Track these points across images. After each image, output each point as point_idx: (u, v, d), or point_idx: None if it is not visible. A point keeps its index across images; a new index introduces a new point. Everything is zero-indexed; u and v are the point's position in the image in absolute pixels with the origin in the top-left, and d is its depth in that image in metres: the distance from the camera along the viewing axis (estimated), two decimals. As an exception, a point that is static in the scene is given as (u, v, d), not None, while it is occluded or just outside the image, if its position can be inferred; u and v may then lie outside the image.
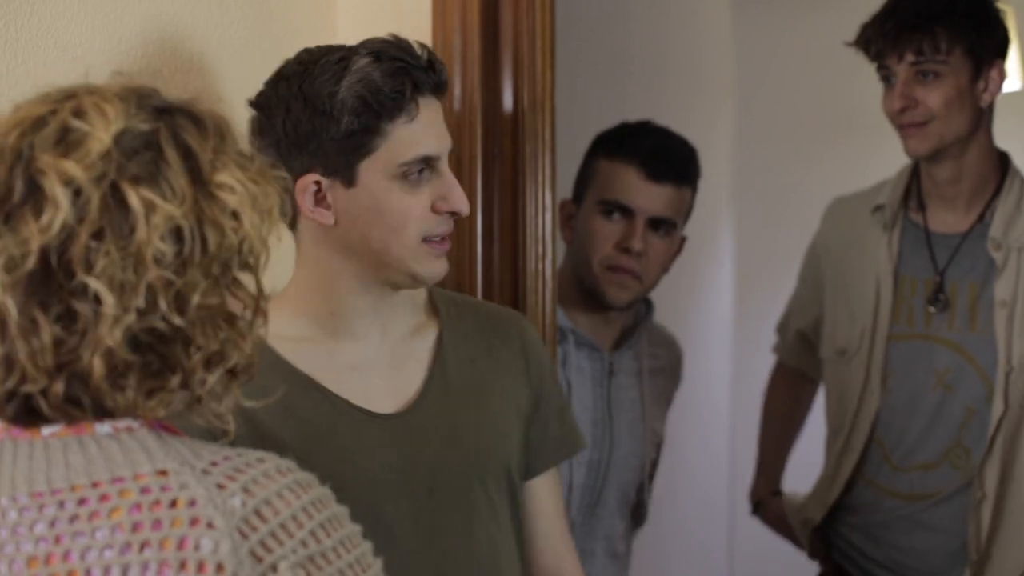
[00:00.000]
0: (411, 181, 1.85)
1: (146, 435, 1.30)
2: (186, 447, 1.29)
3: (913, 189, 2.91)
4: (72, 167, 1.25)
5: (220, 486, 1.24)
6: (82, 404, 1.28)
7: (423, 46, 1.88)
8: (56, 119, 1.28)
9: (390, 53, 1.84)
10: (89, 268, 1.24)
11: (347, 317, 1.91)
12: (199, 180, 1.29)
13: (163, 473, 1.25)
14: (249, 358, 1.35)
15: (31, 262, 1.24)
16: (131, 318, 1.25)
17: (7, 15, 1.75)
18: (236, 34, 2.19)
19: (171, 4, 2.05)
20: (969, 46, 2.74)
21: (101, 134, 1.26)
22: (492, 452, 1.93)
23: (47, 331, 1.24)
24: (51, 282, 1.24)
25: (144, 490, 1.24)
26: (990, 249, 2.76)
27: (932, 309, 2.82)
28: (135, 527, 1.22)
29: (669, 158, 2.79)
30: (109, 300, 1.24)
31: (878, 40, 2.80)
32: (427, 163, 1.86)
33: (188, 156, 1.30)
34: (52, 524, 1.24)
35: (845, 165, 4.57)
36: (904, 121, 2.78)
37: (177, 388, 1.30)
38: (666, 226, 2.77)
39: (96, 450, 1.27)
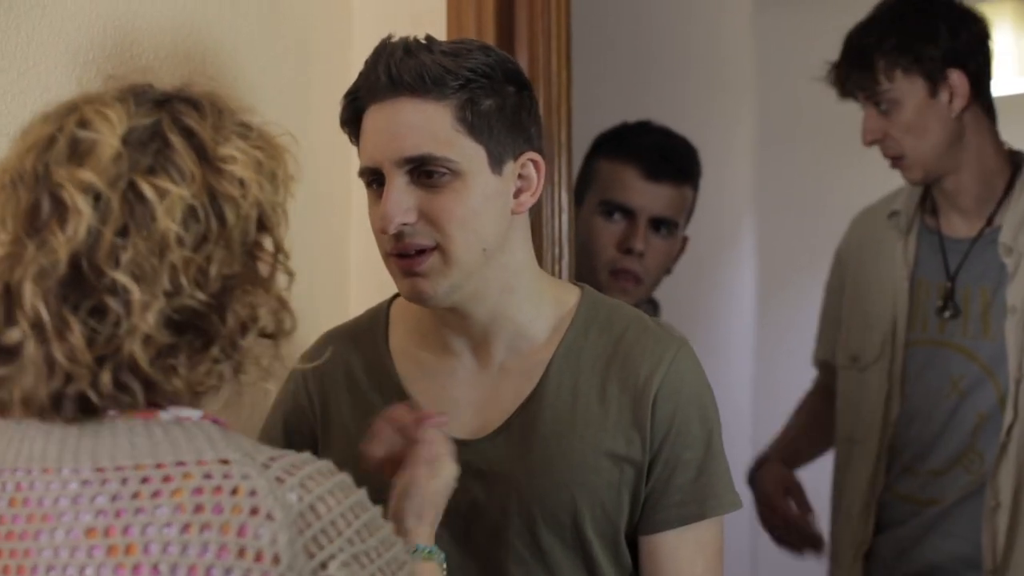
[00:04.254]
0: (371, 192, 1.80)
1: (209, 426, 1.36)
2: (246, 441, 1.35)
3: (928, 194, 2.89)
4: (88, 175, 1.31)
5: (279, 480, 1.29)
6: (132, 391, 1.33)
7: (396, 41, 1.78)
8: (64, 134, 1.34)
9: (363, 66, 1.80)
10: (116, 263, 1.29)
11: (440, 331, 1.86)
12: (204, 158, 1.34)
13: (225, 462, 1.30)
14: (279, 316, 1.40)
15: (61, 269, 1.30)
16: (160, 302, 1.30)
17: (18, 18, 1.74)
18: (250, 37, 2.18)
19: (184, 6, 2.04)
20: (908, 65, 2.72)
21: (109, 139, 1.32)
22: (550, 503, 1.80)
23: (77, 329, 1.29)
24: (83, 284, 1.30)
25: (206, 475, 1.29)
26: (1001, 255, 2.74)
27: (945, 315, 2.80)
28: (196, 508, 1.27)
29: (668, 156, 2.79)
30: (135, 289, 1.29)
31: (835, 82, 2.84)
32: (371, 175, 1.78)
33: (191, 137, 1.35)
34: (113, 499, 1.29)
35: (867, 168, 4.54)
36: (884, 155, 2.80)
37: (220, 357, 1.35)
38: (668, 226, 2.77)
39: (161, 434, 1.33)
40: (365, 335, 1.94)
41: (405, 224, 1.74)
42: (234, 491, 1.28)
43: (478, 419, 1.84)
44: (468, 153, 1.75)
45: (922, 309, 2.84)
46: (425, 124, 1.74)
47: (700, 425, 1.84)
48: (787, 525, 3.07)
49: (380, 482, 1.84)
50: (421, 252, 1.75)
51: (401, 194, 1.74)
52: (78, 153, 1.32)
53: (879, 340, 2.87)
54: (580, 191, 2.76)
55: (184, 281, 1.31)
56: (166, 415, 1.35)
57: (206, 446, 1.32)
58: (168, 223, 1.30)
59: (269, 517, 1.27)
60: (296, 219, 2.30)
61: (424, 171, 1.74)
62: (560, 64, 2.38)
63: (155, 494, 1.28)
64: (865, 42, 2.77)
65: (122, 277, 1.29)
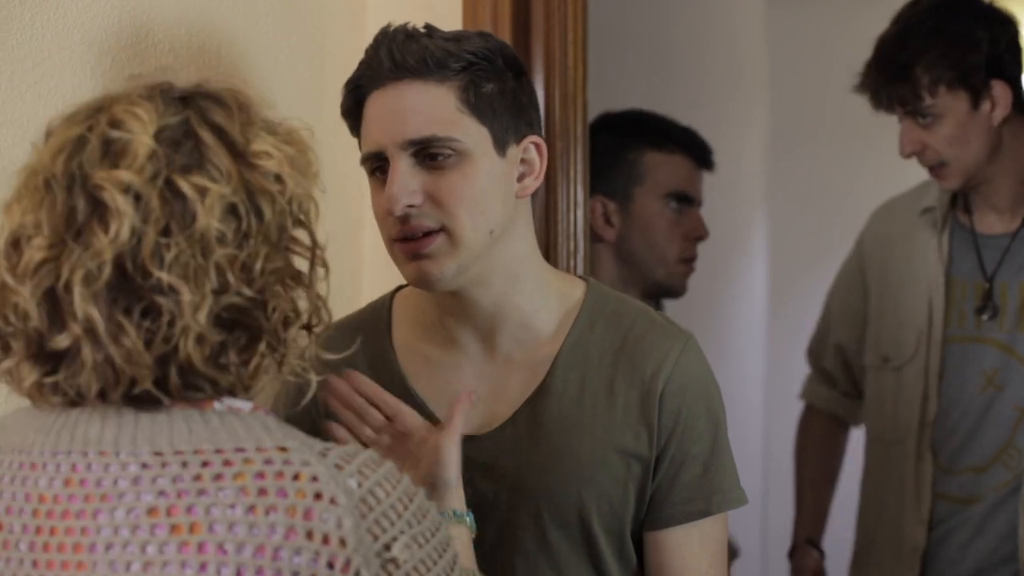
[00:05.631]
0: (374, 180, 1.80)
1: (264, 416, 1.38)
2: (300, 433, 1.37)
3: (960, 191, 2.87)
4: (126, 175, 1.31)
5: (338, 467, 1.32)
6: (201, 387, 1.35)
7: (396, 29, 1.78)
8: (95, 135, 1.34)
9: (364, 56, 1.81)
10: (161, 263, 1.30)
11: (444, 322, 1.86)
12: (238, 154, 1.36)
13: (284, 449, 1.32)
14: (319, 310, 1.43)
15: (107, 271, 1.30)
16: (209, 300, 1.31)
17: (33, 8, 1.74)
18: (265, 29, 2.18)
19: (199, -2, 2.04)
20: (953, 79, 2.69)
21: (142, 137, 1.33)
22: (556, 498, 1.80)
23: (133, 332, 1.31)
24: (130, 285, 1.31)
25: (267, 461, 1.31)
26: None
27: (983, 317, 2.78)
28: (260, 492, 1.29)
29: (704, 145, 2.87)
30: (184, 288, 1.30)
31: (868, 93, 2.80)
32: (375, 160, 1.78)
33: (221, 134, 1.36)
34: (174, 480, 1.31)
35: (879, 165, 4.53)
36: (922, 164, 2.78)
37: (266, 352, 1.38)
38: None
39: (218, 422, 1.35)
40: (368, 329, 1.92)
41: (411, 206, 1.73)
42: (296, 476, 1.30)
43: (484, 413, 1.83)
44: (472, 134, 1.75)
45: (957, 306, 2.83)
46: (429, 106, 1.74)
47: (707, 420, 1.84)
48: None
49: None
50: (427, 235, 1.74)
51: (406, 176, 1.74)
52: (112, 153, 1.33)
53: (913, 338, 2.85)
54: (621, 185, 2.78)
55: (231, 278, 1.33)
56: (220, 405, 1.36)
57: (264, 434, 1.34)
58: (209, 220, 1.31)
59: (333, 502, 1.30)
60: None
61: (429, 153, 1.74)
62: (576, 58, 2.37)
63: (217, 477, 1.30)
64: (904, 54, 2.72)
65: (168, 277, 1.30)
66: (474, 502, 1.80)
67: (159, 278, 1.30)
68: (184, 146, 1.34)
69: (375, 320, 1.93)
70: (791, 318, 5.06)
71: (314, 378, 1.45)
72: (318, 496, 1.29)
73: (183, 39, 1.97)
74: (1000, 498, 2.77)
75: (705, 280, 2.96)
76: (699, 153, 2.84)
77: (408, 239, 1.75)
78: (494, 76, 1.77)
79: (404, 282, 1.95)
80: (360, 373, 1.78)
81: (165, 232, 1.31)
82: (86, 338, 1.31)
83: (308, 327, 1.41)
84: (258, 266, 1.35)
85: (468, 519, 1.68)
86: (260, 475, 1.30)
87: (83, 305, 1.30)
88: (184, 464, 1.31)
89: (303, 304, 1.40)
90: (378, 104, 1.77)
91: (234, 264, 1.33)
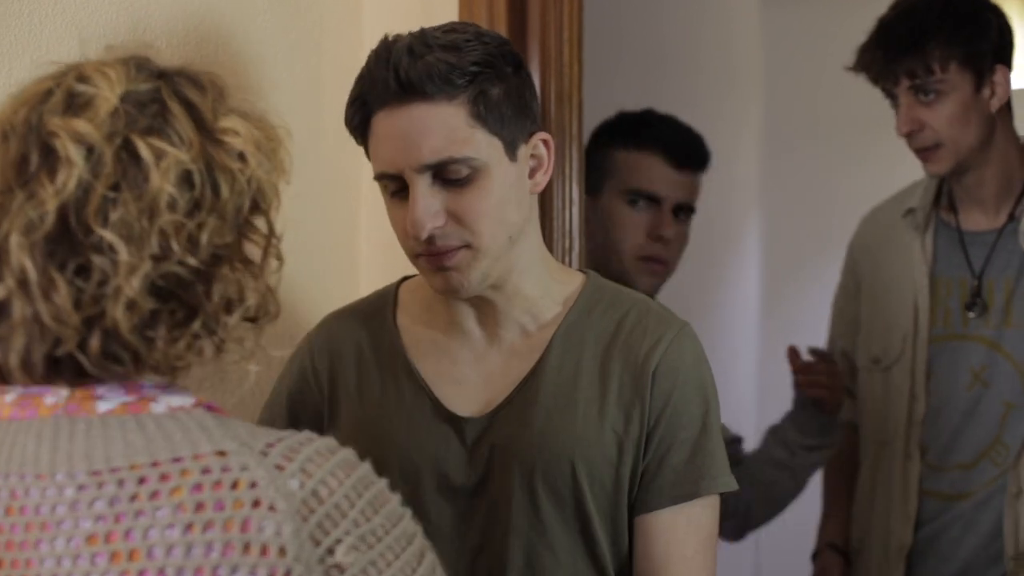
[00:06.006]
0: (391, 197, 1.81)
1: (203, 414, 1.32)
2: (242, 428, 1.31)
3: (944, 190, 2.88)
4: (83, 125, 1.27)
5: (279, 467, 1.26)
6: (121, 359, 1.30)
7: (406, 39, 1.77)
8: (61, 88, 1.31)
9: (364, 69, 1.80)
10: (105, 221, 1.26)
11: (450, 310, 1.89)
12: (204, 129, 1.32)
13: (222, 454, 1.27)
14: (265, 300, 1.37)
15: (49, 222, 1.26)
16: (147, 265, 1.27)
17: (31, 5, 1.74)
18: (262, 25, 2.18)
19: (196, -5, 2.04)
20: (964, 58, 2.71)
21: (107, 94, 1.29)
22: (550, 475, 1.82)
23: (63, 288, 1.26)
24: (70, 240, 1.27)
25: (205, 470, 1.26)
26: (1022, 243, 2.74)
27: (971, 314, 2.79)
28: (198, 507, 1.24)
29: (691, 145, 2.87)
30: (123, 249, 1.26)
31: (872, 66, 2.80)
32: (391, 180, 1.79)
33: (191, 108, 1.32)
34: (112, 503, 1.25)
35: (873, 164, 4.54)
36: (915, 146, 2.78)
37: (202, 332, 1.32)
38: (686, 211, 2.86)
39: (154, 428, 1.29)
40: (374, 314, 1.96)
41: (436, 227, 1.76)
42: (234, 485, 1.25)
43: (484, 395, 1.87)
44: (485, 147, 1.77)
45: (942, 305, 2.84)
46: (441, 127, 1.75)
47: (697, 404, 1.86)
48: None
49: (384, 455, 1.86)
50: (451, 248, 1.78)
51: (427, 199, 1.75)
52: (74, 105, 1.29)
53: (899, 339, 2.87)
54: (593, 182, 2.79)
55: (174, 246, 1.28)
56: (158, 406, 1.31)
57: (202, 438, 1.28)
58: (162, 184, 1.27)
59: (272, 508, 1.24)
60: (307, 206, 2.31)
61: (446, 173, 1.75)
62: (572, 55, 2.38)
63: (153, 495, 1.25)
64: (916, 29, 2.73)
65: (110, 235, 1.25)
66: (473, 483, 1.84)
67: (100, 236, 1.26)
68: (149, 109, 1.30)
69: (380, 306, 1.97)
70: (784, 317, 5.07)
71: (254, 369, 1.39)
72: (256, 504, 1.24)
73: (180, 35, 1.98)
74: (988, 495, 2.78)
75: (698, 279, 2.97)
76: (676, 153, 2.82)
77: (432, 255, 1.78)
78: (498, 79, 1.78)
79: (406, 275, 1.97)
80: None
81: (114, 189, 1.27)
82: (18, 291, 1.27)
83: (253, 319, 1.37)
84: (204, 237, 1.30)
85: None
86: (197, 487, 1.24)
87: (19, 255, 1.26)
88: (120, 483, 1.26)
89: (251, 293, 1.35)
90: (387, 125, 1.77)
91: (180, 232, 1.28)
